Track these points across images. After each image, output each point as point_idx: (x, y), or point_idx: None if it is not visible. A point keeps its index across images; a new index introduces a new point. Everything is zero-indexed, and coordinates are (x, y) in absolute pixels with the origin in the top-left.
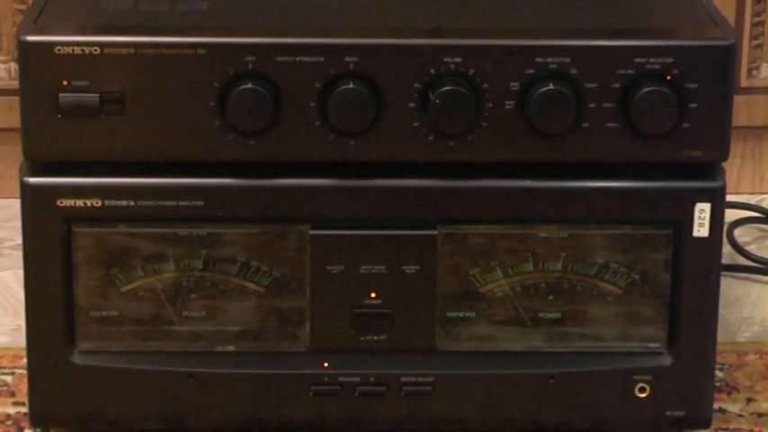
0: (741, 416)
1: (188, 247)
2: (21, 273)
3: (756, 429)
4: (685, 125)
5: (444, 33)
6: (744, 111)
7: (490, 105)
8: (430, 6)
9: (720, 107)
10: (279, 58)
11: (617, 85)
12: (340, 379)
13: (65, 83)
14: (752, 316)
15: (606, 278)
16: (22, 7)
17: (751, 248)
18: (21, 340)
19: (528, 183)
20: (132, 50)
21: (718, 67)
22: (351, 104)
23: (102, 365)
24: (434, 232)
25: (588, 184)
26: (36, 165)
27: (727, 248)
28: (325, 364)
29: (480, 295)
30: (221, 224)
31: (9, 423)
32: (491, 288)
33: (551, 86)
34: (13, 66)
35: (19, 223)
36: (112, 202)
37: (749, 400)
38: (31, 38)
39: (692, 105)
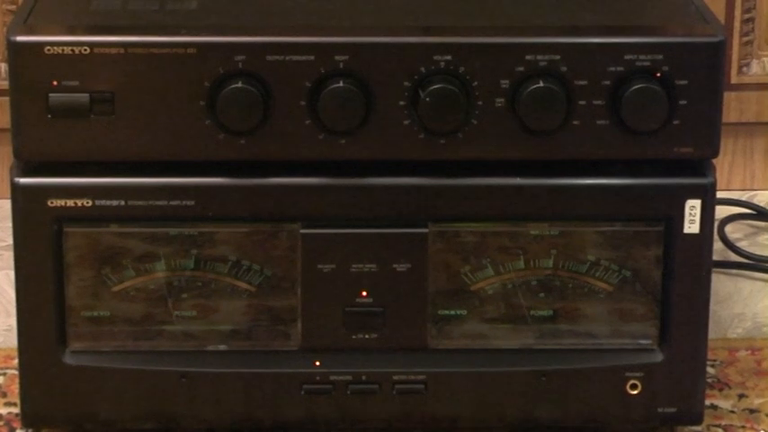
0: (733, 412)
1: (179, 246)
2: (12, 273)
3: (748, 425)
4: (675, 122)
5: (434, 31)
6: (734, 107)
7: (480, 103)
8: (419, 4)
9: (710, 104)
10: (269, 57)
11: (607, 83)
12: (332, 377)
13: (55, 83)
14: (743, 312)
15: (597, 275)
16: (12, 7)
17: (742, 245)
18: (12, 341)
19: (518, 180)
20: (122, 50)
21: (708, 64)
22: (341, 103)
23: (94, 365)
24: (425, 230)
25: (579, 181)
26: (26, 165)
27: (718, 245)
28: (317, 363)
29: (471, 293)
30: (212, 223)
31: (1, 424)
32: (482, 286)
33: (541, 84)
34: (3, 66)
35: (10, 224)
36: (103, 202)
37: (741, 397)
38: (20, 38)
39: (682, 102)
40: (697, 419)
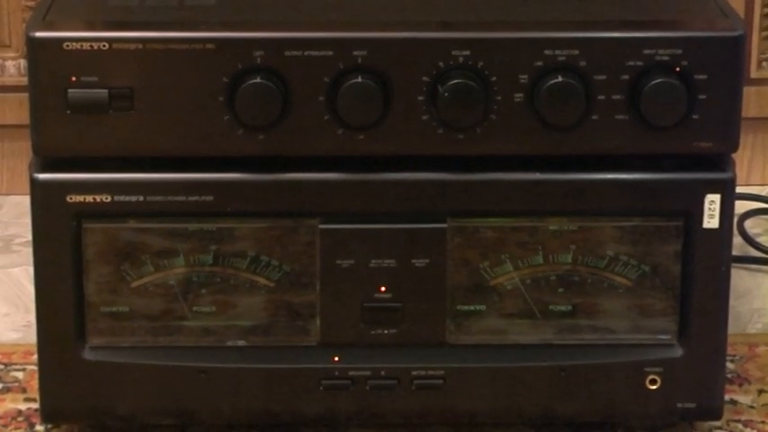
0: (752, 407)
1: (198, 242)
2: (31, 269)
3: None
4: (695, 116)
5: (453, 26)
6: (754, 102)
7: (499, 98)
8: None
9: (730, 98)
10: (287, 53)
11: (626, 77)
12: (350, 373)
13: (74, 78)
14: (763, 307)
15: (616, 270)
16: (31, 3)
17: (761, 240)
18: (31, 336)
19: (537, 175)
20: (141, 46)
21: (728, 59)
22: (359, 98)
23: (113, 361)
24: (444, 225)
25: (598, 176)
26: (45, 161)
27: (737, 240)
28: (336, 358)
29: (490, 288)
30: (231, 219)
31: (20, 419)
32: (501, 281)
33: (560, 79)
34: (23, 62)
35: (29, 220)
36: (122, 198)
37: (760, 392)
38: (39, 34)
39: (702, 97)
40: (716, 415)
